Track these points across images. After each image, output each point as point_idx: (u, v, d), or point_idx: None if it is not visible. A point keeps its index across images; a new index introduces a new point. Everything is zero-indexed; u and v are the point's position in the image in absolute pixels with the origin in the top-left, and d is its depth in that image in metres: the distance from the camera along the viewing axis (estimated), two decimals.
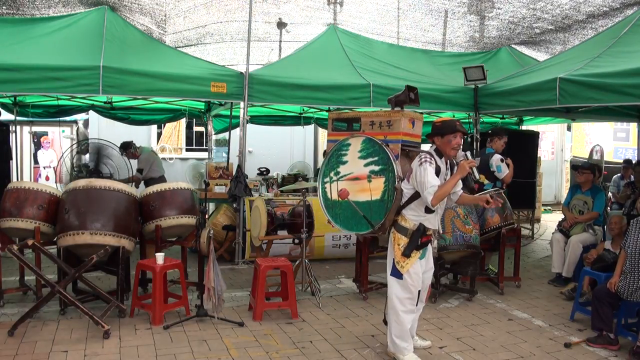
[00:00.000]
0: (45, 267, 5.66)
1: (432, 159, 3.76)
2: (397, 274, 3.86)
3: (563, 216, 6.52)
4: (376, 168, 4.05)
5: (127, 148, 8.23)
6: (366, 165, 4.12)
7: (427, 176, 3.66)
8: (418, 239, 3.81)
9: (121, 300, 4.79)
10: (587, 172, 6.33)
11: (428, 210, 3.81)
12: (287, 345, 4.28)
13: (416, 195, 3.80)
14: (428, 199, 3.67)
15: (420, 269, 3.90)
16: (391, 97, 4.45)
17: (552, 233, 6.59)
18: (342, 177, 4.27)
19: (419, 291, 3.97)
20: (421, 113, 4.92)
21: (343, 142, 4.32)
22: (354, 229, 4.26)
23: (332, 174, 4.36)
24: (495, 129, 7.18)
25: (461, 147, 3.86)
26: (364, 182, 4.10)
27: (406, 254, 3.81)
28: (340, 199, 4.18)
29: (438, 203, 3.74)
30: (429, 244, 3.95)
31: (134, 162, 8.25)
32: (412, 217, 3.84)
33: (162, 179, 8.21)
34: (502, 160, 6.29)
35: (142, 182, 8.47)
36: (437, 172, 3.75)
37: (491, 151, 6.45)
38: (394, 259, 3.89)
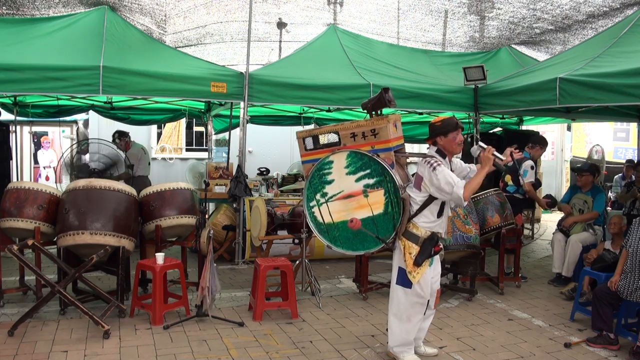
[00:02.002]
0: (45, 267, 5.67)
1: (439, 160, 3.72)
2: (406, 283, 3.77)
3: (562, 216, 6.52)
4: (371, 181, 3.85)
5: (123, 136, 8.10)
6: (358, 180, 3.89)
7: (448, 177, 3.61)
8: (431, 248, 3.72)
9: (121, 300, 4.79)
10: (587, 175, 6.33)
11: (440, 214, 3.78)
12: (287, 345, 4.28)
13: (429, 202, 3.72)
14: (459, 193, 3.57)
15: (429, 277, 3.83)
16: (365, 102, 4.11)
17: (553, 233, 6.59)
18: (331, 197, 4.02)
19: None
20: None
21: (324, 161, 4.04)
22: (359, 249, 4.01)
23: (318, 196, 4.08)
24: (540, 137, 7.08)
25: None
26: (360, 198, 3.89)
27: (418, 262, 3.71)
28: (353, 228, 3.91)
29: (469, 197, 3.68)
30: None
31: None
32: (423, 224, 3.76)
33: (146, 180, 8.04)
34: (532, 168, 6.28)
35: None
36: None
37: (527, 155, 6.45)
38: (400, 268, 3.81)
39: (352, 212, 3.92)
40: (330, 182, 4.03)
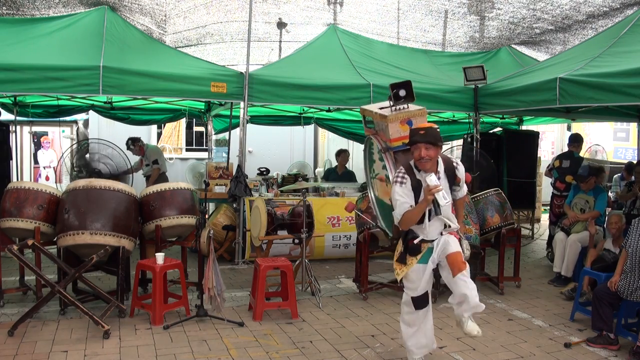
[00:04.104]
0: (45, 267, 5.66)
1: (406, 176, 3.51)
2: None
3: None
4: (387, 172, 3.89)
5: (136, 142, 8.34)
6: (383, 167, 3.98)
7: (394, 199, 3.49)
8: (405, 242, 3.61)
9: (121, 300, 4.79)
10: (590, 179, 6.36)
11: (420, 220, 3.54)
12: (287, 345, 4.28)
13: None
14: (397, 219, 3.50)
15: (420, 276, 3.64)
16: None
17: (555, 232, 6.60)
18: (374, 175, 4.21)
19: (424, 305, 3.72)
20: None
21: (370, 141, 4.21)
22: (388, 228, 4.14)
23: (370, 170, 4.32)
24: (578, 135, 8.00)
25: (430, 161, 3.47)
26: (384, 184, 3.97)
27: (399, 260, 3.67)
28: (347, 210, 4.12)
29: (407, 228, 3.54)
30: (429, 249, 3.62)
31: (134, 159, 8.28)
32: None
33: (164, 177, 8.35)
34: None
35: (145, 178, 8.51)
36: (417, 186, 3.50)
37: (579, 156, 7.63)
38: None
39: (382, 195, 4.05)
40: (374, 162, 4.21)
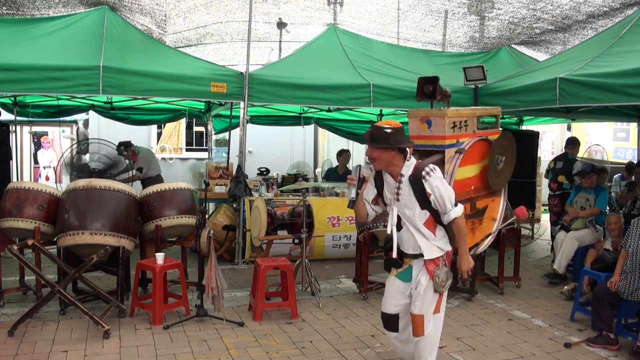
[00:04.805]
0: (45, 267, 5.66)
1: (371, 170, 3.38)
2: None
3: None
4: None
5: (128, 147, 8.24)
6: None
7: None
8: (385, 252, 3.48)
9: (121, 300, 4.79)
10: (592, 175, 6.39)
11: (392, 230, 3.30)
12: (287, 345, 4.28)
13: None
14: None
15: (394, 291, 3.36)
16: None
17: (557, 230, 6.61)
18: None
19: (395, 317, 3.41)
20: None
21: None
22: None
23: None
24: (574, 138, 8.34)
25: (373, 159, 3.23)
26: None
27: (385, 267, 3.47)
28: None
29: (357, 218, 3.54)
30: (410, 266, 3.33)
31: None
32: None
33: (159, 178, 8.23)
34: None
35: (140, 181, 8.48)
36: (379, 184, 3.34)
37: (573, 157, 7.76)
38: None
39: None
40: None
